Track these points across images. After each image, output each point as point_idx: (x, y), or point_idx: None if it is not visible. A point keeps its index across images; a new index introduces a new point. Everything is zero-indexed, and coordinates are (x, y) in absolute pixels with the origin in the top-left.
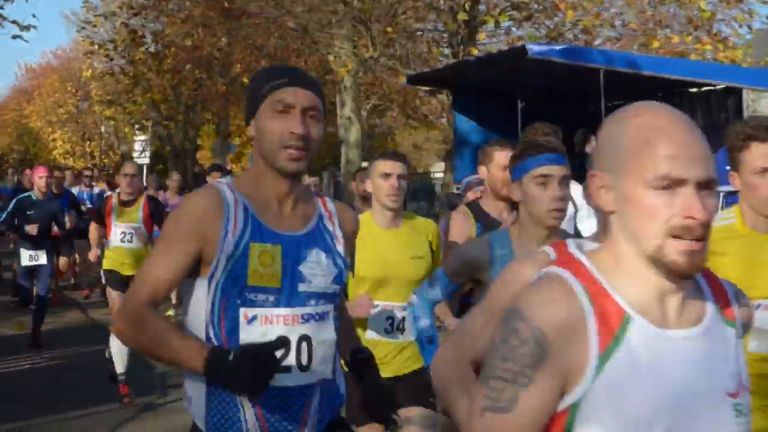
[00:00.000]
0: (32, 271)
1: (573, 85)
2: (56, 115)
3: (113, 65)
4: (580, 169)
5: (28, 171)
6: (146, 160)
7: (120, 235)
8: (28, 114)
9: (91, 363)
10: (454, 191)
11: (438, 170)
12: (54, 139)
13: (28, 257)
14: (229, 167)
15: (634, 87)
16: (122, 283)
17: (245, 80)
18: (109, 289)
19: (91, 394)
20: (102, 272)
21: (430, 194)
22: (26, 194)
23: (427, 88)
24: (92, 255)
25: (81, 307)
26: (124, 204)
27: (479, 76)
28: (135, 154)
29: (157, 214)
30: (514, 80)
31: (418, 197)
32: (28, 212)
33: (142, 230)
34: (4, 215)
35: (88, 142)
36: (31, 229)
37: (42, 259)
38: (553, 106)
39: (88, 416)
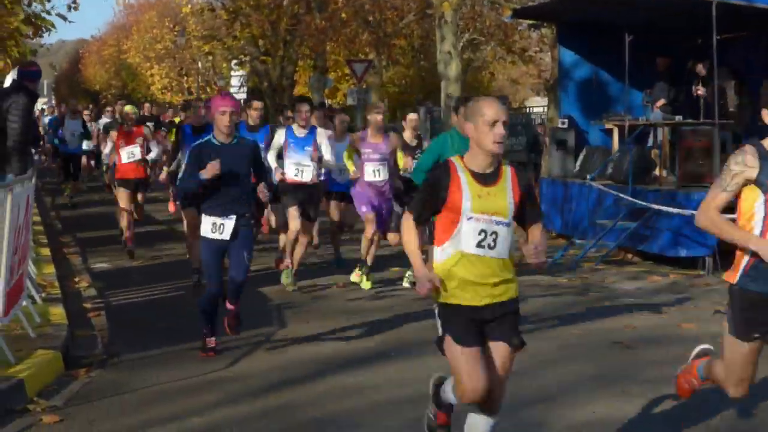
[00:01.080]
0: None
1: (683, 17)
2: (154, 51)
3: (212, 0)
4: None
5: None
6: (243, 96)
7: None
8: (126, 50)
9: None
10: (559, 125)
11: (534, 105)
12: (152, 75)
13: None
14: (326, 102)
15: (748, 19)
16: None
17: (344, 15)
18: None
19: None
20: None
21: (528, 129)
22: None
23: (529, 22)
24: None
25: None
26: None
27: (586, 10)
28: (232, 90)
29: None
30: (622, 13)
31: (517, 132)
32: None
33: None
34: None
35: (185, 78)
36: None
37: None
38: (661, 39)
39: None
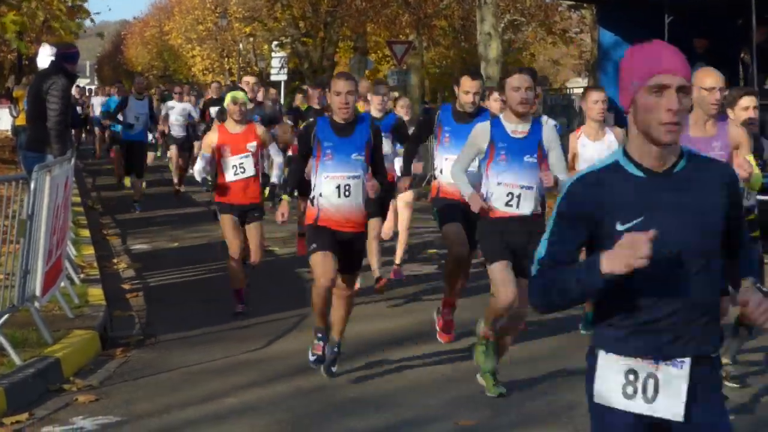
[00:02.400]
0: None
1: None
2: (195, 32)
3: None
4: None
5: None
6: (284, 77)
7: None
8: (167, 31)
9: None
10: None
11: (575, 86)
12: (193, 56)
13: None
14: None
15: None
16: None
17: None
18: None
19: (248, 306)
20: None
21: (568, 109)
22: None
23: (570, 3)
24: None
25: None
26: None
27: None
28: (273, 71)
29: None
30: None
31: (557, 112)
32: None
33: None
34: None
35: (226, 59)
36: None
37: None
38: (701, 19)
39: (244, 328)
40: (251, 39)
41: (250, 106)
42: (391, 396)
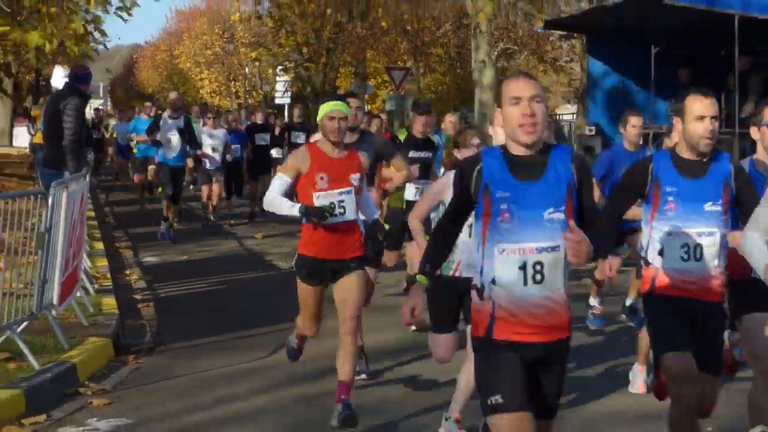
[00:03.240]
0: None
1: (706, 30)
2: (204, 57)
3: (259, 9)
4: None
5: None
6: (287, 100)
7: None
8: (177, 55)
9: (248, 286)
10: (586, 133)
11: (564, 112)
12: (201, 79)
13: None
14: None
15: (765, 35)
16: None
17: (384, 24)
18: None
19: (251, 316)
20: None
21: (558, 134)
22: None
23: (561, 33)
24: None
25: (235, 237)
26: None
27: (614, 22)
28: (277, 94)
29: None
30: (648, 25)
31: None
32: None
33: None
34: None
35: (233, 83)
36: None
37: None
38: (685, 50)
39: (251, 337)
40: (257, 63)
41: (353, 138)
42: (390, 403)
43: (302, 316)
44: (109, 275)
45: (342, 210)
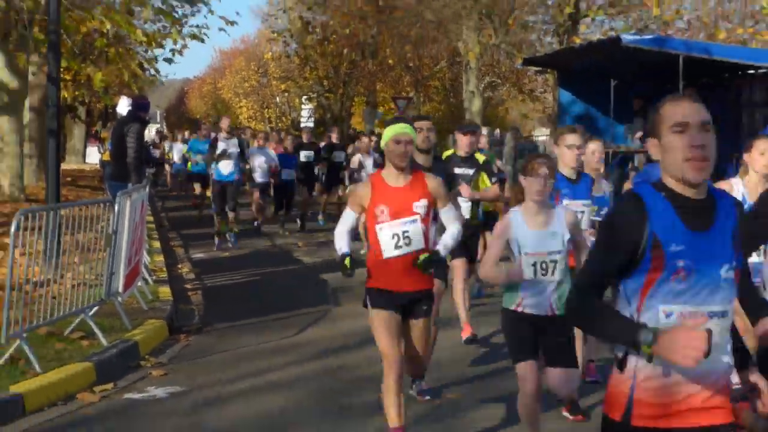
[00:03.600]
0: None
1: (656, 67)
2: (242, 89)
3: (288, 49)
4: None
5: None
6: (311, 124)
7: None
8: (220, 87)
9: (278, 278)
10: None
11: (540, 134)
12: (240, 107)
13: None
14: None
15: (704, 70)
16: None
17: (390, 61)
18: None
19: (281, 302)
20: None
21: (535, 151)
22: None
23: (537, 69)
24: None
25: (269, 237)
26: None
27: (580, 60)
28: (303, 119)
29: None
30: (608, 63)
31: (524, 156)
32: None
33: None
34: None
35: (266, 110)
36: None
37: None
38: (638, 85)
39: (281, 319)
40: (286, 94)
41: (428, 162)
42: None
43: (382, 345)
44: (164, 268)
45: (407, 241)
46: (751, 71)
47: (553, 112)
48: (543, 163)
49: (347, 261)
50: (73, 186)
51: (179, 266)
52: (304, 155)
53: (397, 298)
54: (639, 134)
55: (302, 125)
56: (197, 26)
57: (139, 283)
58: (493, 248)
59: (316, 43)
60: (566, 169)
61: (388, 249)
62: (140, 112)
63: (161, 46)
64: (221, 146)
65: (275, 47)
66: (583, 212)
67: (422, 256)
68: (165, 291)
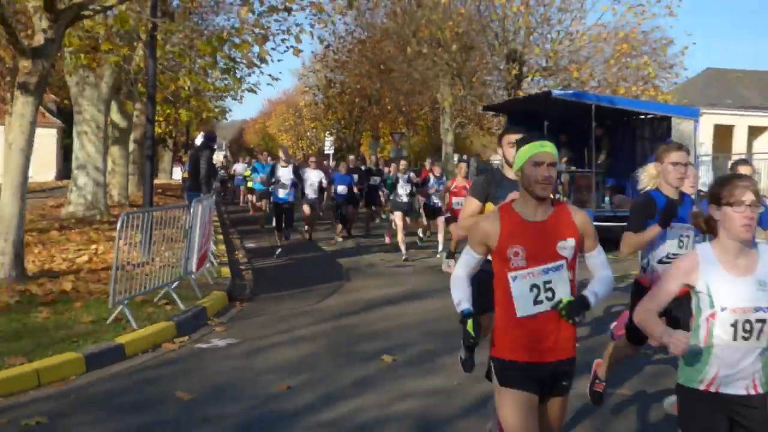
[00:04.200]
0: None
1: (576, 112)
2: (283, 127)
3: (316, 99)
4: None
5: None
6: (331, 151)
7: None
8: (268, 125)
9: (306, 261)
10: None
11: (494, 159)
12: (282, 139)
13: None
14: (377, 155)
15: (610, 115)
16: None
17: (389, 107)
18: None
19: (308, 279)
20: None
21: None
22: None
23: (493, 113)
24: None
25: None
26: None
27: (523, 107)
28: (326, 148)
29: None
30: (543, 110)
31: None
32: None
33: None
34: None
35: (300, 141)
36: None
37: None
38: (563, 125)
39: (308, 291)
40: (314, 130)
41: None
42: (391, 330)
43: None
44: (225, 254)
45: (549, 294)
46: (642, 116)
47: None
48: (747, 187)
49: (470, 325)
50: (162, 195)
51: (236, 253)
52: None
53: (535, 371)
54: (564, 159)
55: (326, 152)
56: (253, 84)
57: (207, 265)
58: (662, 294)
59: (336, 94)
60: (669, 188)
61: (525, 305)
62: (210, 143)
63: (224, 98)
64: (279, 174)
65: (307, 97)
66: (688, 237)
67: (566, 299)
68: (225, 271)
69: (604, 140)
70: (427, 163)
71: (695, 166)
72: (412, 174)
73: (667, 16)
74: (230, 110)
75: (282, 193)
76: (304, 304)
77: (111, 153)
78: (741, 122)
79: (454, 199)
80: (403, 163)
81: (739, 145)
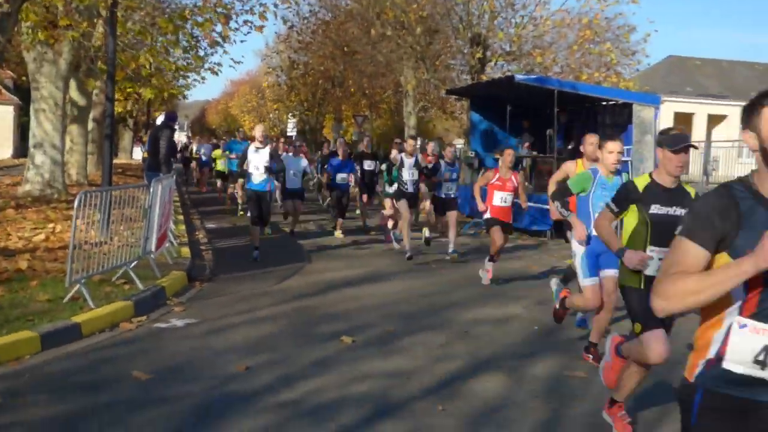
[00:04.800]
0: None
1: (539, 98)
2: (245, 108)
3: (279, 80)
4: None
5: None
6: (294, 133)
7: None
8: (230, 106)
9: (267, 243)
10: (470, 155)
11: (457, 143)
12: (244, 120)
13: None
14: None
15: (572, 100)
16: None
17: (352, 90)
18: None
19: (268, 260)
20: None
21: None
22: None
23: (456, 97)
24: None
25: None
26: None
27: (486, 92)
28: (288, 130)
29: None
30: (506, 94)
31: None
32: None
33: None
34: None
35: (262, 122)
36: None
37: None
38: (526, 109)
39: (267, 272)
40: (277, 111)
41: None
42: (351, 312)
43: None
44: (185, 234)
45: None
46: (604, 102)
47: (466, 127)
48: None
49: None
50: (122, 175)
51: (196, 233)
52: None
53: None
54: (526, 144)
55: (288, 133)
56: (216, 63)
57: (167, 245)
58: None
59: (299, 76)
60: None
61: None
62: (170, 122)
63: (186, 77)
64: (251, 157)
65: (270, 78)
66: None
67: None
68: (185, 251)
69: (566, 125)
70: (429, 147)
71: (655, 153)
72: (420, 157)
73: (629, 2)
74: (194, 86)
75: (257, 179)
76: (264, 284)
77: (69, 131)
78: (701, 110)
79: (499, 194)
80: (410, 142)
81: (698, 132)
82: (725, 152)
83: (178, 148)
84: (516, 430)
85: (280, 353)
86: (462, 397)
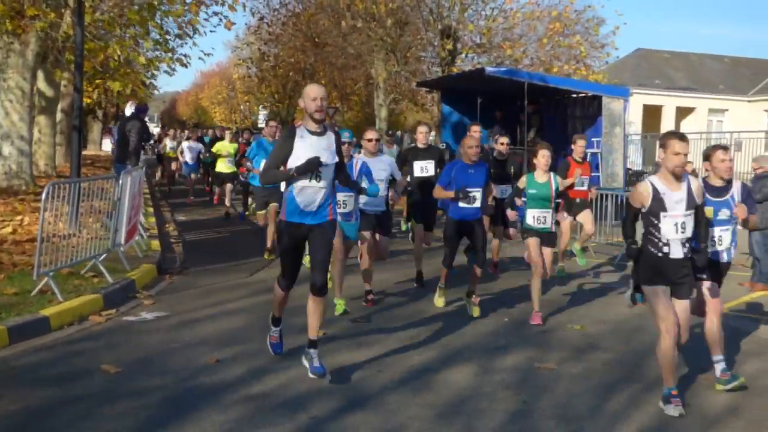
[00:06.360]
0: None
1: (509, 90)
2: (216, 99)
3: (249, 72)
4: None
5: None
6: (264, 125)
7: None
8: (201, 98)
9: (238, 236)
10: (441, 146)
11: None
12: (215, 112)
13: None
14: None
15: (542, 93)
16: None
17: (323, 82)
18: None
19: (239, 253)
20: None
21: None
22: None
23: (427, 89)
24: None
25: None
26: None
27: (457, 84)
28: (259, 121)
29: None
30: (476, 87)
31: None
32: None
33: None
34: None
35: (233, 114)
36: None
37: None
38: (497, 102)
39: (239, 265)
40: (247, 103)
41: None
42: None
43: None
44: (155, 227)
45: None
46: (573, 95)
47: (437, 119)
48: None
49: None
50: (91, 166)
51: (166, 225)
52: None
53: None
54: (497, 137)
55: (259, 125)
56: (184, 55)
57: (137, 238)
58: None
59: (270, 68)
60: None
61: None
62: (140, 114)
63: (157, 68)
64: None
65: (241, 70)
66: None
67: None
68: (155, 243)
69: (534, 117)
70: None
71: (624, 145)
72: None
73: None
74: (163, 76)
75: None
76: (235, 277)
77: (37, 122)
78: (669, 103)
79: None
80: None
81: (667, 125)
82: (693, 144)
83: (151, 141)
84: (486, 421)
85: (250, 346)
86: (433, 388)
